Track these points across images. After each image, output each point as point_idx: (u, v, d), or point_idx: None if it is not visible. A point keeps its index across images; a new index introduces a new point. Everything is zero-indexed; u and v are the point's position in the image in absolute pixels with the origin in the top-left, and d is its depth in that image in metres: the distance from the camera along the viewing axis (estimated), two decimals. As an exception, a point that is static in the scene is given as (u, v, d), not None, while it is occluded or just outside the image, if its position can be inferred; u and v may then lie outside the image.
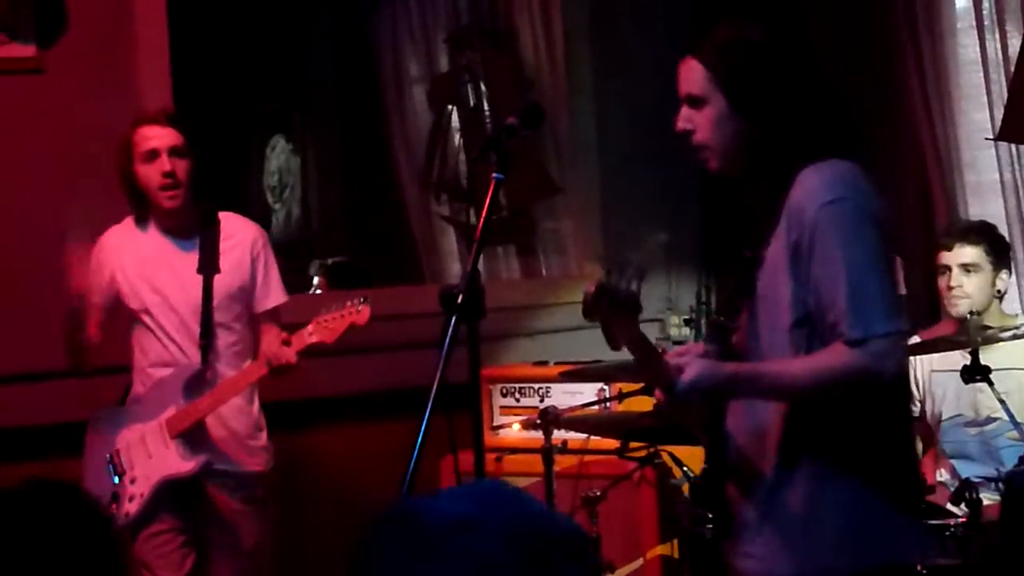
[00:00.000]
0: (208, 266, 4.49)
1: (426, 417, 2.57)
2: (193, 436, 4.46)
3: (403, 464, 2.63)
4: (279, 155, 9.29)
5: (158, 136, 4.44)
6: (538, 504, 1.60)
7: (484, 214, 2.76)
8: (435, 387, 2.57)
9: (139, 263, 4.55)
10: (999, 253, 4.79)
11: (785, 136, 3.01)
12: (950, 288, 4.76)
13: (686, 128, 3.03)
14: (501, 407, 5.58)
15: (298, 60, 8.94)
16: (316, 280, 7.54)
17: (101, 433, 4.58)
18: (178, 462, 4.45)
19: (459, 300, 2.64)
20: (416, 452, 2.59)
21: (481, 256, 2.81)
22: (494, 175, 2.81)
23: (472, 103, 7.60)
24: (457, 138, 7.75)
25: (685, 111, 3.03)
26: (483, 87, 7.56)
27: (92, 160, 5.33)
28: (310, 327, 4.40)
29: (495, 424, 5.48)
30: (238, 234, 4.60)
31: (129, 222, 4.62)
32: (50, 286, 4.92)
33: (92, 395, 4.81)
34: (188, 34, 5.94)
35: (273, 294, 4.65)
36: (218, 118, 8.10)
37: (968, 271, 4.75)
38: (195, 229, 4.55)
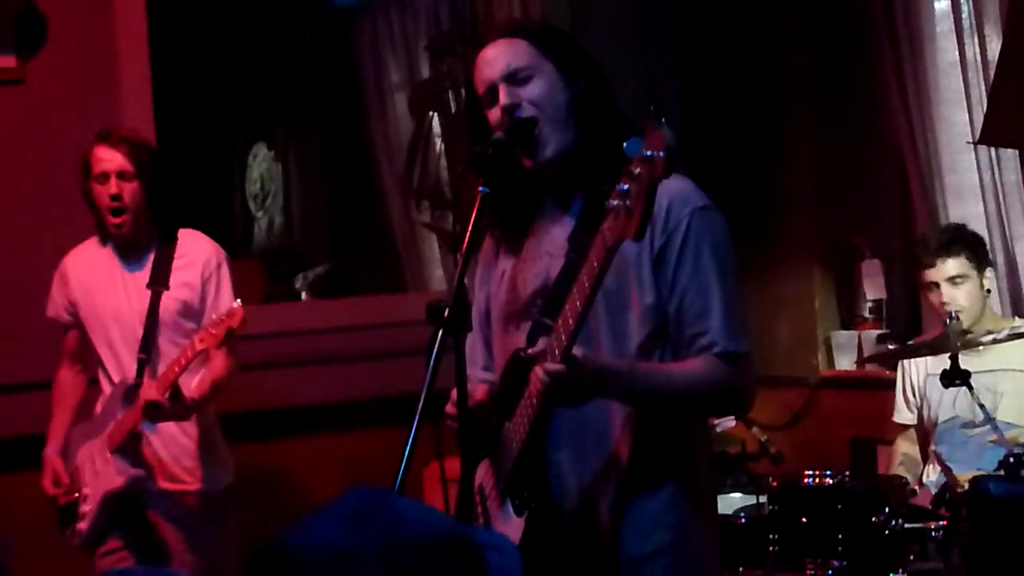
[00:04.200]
0: (157, 282, 4.48)
1: (414, 427, 2.58)
2: (128, 450, 4.44)
3: (388, 472, 2.64)
4: (261, 163, 9.29)
5: (108, 159, 4.43)
6: (408, 507, 1.58)
7: (470, 228, 2.76)
8: (422, 400, 2.58)
9: (93, 280, 4.57)
10: (979, 255, 4.77)
11: (612, 117, 2.91)
12: (943, 304, 4.75)
13: (514, 103, 2.88)
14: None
15: (279, 68, 8.94)
16: (304, 295, 7.52)
17: (68, 454, 4.61)
18: (114, 477, 4.44)
19: (446, 314, 2.64)
20: (405, 461, 2.60)
21: (468, 268, 2.80)
22: (481, 188, 2.80)
23: (453, 110, 7.60)
24: (439, 145, 7.75)
25: (508, 89, 2.89)
26: (464, 94, 7.56)
27: (72, 171, 5.34)
28: (198, 336, 4.31)
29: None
30: (193, 252, 4.57)
31: (91, 240, 4.64)
32: (29, 296, 4.94)
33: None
34: (169, 44, 5.94)
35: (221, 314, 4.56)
36: (199, 127, 8.10)
37: (956, 283, 4.74)
38: (151, 245, 4.55)
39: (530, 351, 2.75)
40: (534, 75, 2.91)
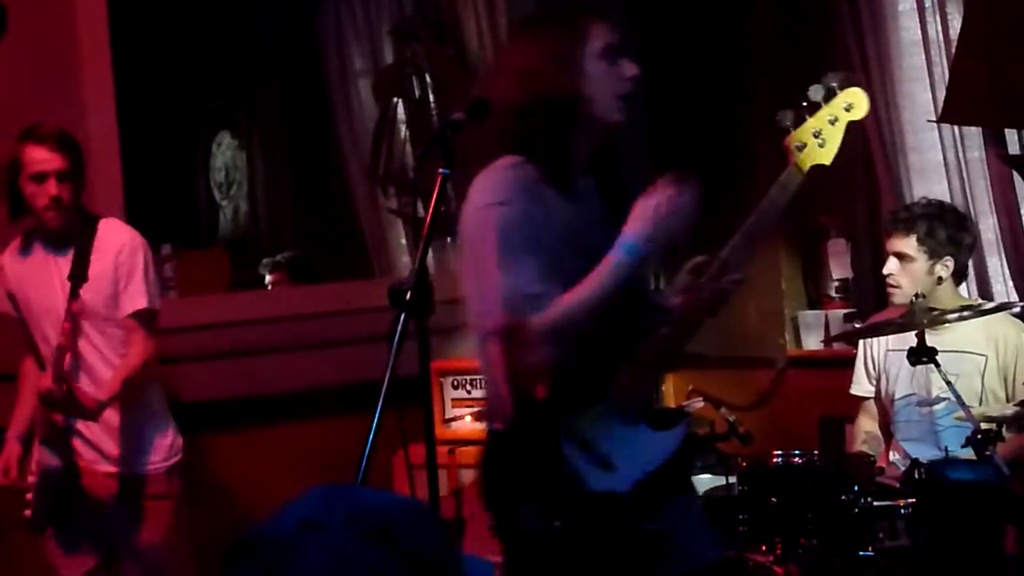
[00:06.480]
0: (76, 273, 4.53)
1: (377, 412, 2.57)
2: (53, 440, 4.52)
3: (356, 460, 2.63)
4: (225, 151, 9.26)
5: (46, 160, 4.49)
6: (372, 491, 1.65)
7: (431, 210, 2.77)
8: (385, 383, 2.57)
9: (26, 274, 4.65)
10: (937, 242, 4.72)
11: None
12: (885, 276, 4.80)
13: (638, 78, 3.17)
14: (453, 399, 5.59)
15: (242, 55, 8.90)
16: (268, 278, 7.50)
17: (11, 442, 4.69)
18: (46, 459, 4.51)
19: (408, 297, 2.64)
20: (368, 447, 2.59)
21: (430, 250, 2.81)
22: (441, 170, 2.82)
23: (417, 95, 7.59)
24: (403, 131, 7.74)
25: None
26: (428, 79, 7.55)
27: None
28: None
29: (447, 416, 5.49)
30: (108, 241, 4.61)
31: (21, 237, 4.71)
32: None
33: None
34: (131, 32, 5.91)
35: (130, 300, 4.60)
36: (163, 116, 8.06)
37: (901, 260, 4.76)
38: (73, 237, 4.60)
39: (721, 254, 3.13)
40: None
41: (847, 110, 3.19)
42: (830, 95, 3.20)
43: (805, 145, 3.19)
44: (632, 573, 3.06)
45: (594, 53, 3.11)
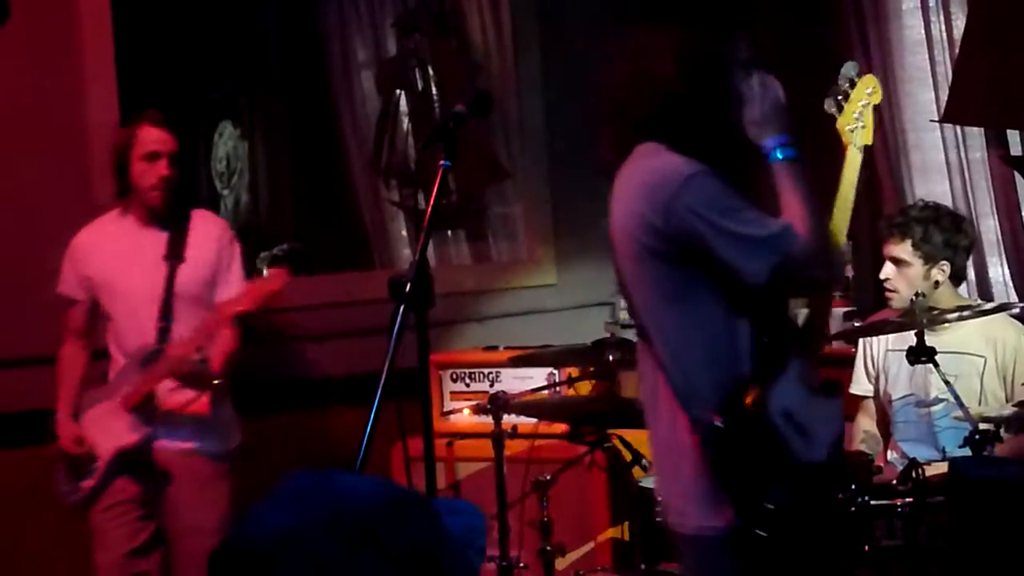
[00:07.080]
0: (173, 255, 4.68)
1: (376, 404, 2.57)
2: (144, 410, 4.61)
3: (354, 451, 2.63)
4: (227, 141, 9.24)
5: (163, 141, 4.68)
6: (351, 479, 1.62)
7: (432, 202, 2.77)
8: (384, 375, 2.57)
9: (111, 254, 4.73)
10: (933, 246, 4.69)
11: None
12: (883, 280, 4.78)
13: None
14: (451, 392, 5.60)
15: (245, 45, 8.88)
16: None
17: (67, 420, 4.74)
18: (127, 434, 4.61)
19: (407, 289, 2.65)
20: (366, 439, 2.59)
21: (431, 242, 2.82)
22: (442, 162, 2.83)
23: (420, 87, 7.59)
24: (406, 123, 7.73)
25: None
26: (431, 71, 7.55)
27: (36, 149, 5.31)
28: (234, 298, 4.62)
29: (445, 409, 5.49)
30: (207, 229, 4.80)
31: (109, 215, 4.80)
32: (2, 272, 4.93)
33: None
34: (133, 21, 5.90)
35: (231, 287, 4.76)
36: (164, 104, 8.03)
37: (897, 265, 4.75)
38: (168, 220, 4.74)
39: None
40: None
41: (870, 94, 3.54)
42: (854, 82, 3.54)
43: (855, 128, 3.49)
44: (838, 545, 3.11)
45: (737, 62, 3.20)
